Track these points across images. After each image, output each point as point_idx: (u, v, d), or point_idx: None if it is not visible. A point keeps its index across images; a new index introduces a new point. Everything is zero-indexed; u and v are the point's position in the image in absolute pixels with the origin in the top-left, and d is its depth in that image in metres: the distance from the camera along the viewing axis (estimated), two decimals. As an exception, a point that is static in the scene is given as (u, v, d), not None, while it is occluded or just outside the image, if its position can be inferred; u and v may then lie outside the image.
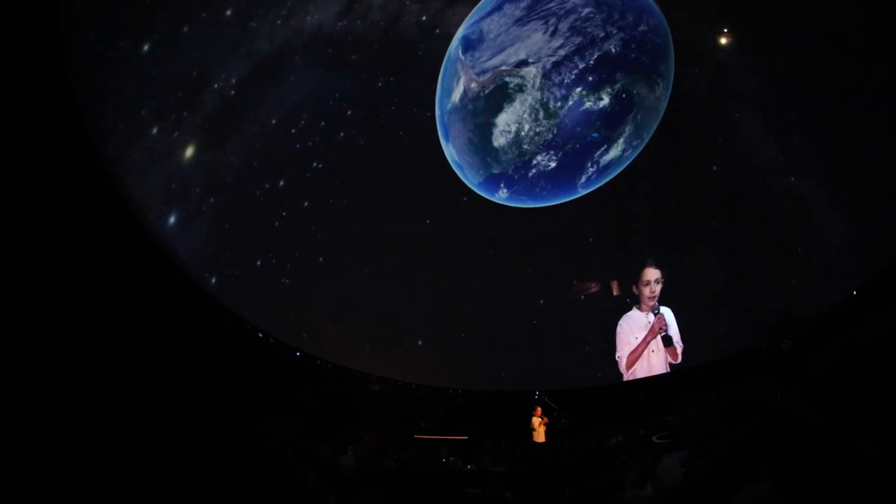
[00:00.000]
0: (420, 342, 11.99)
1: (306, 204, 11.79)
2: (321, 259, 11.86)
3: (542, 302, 11.81)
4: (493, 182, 11.84)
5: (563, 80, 11.01)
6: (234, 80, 10.62)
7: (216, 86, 10.46)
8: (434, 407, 11.55)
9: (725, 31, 10.22)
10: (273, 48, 10.93)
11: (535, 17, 11.06)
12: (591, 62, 10.84)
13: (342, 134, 11.93)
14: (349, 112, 11.89)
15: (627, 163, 11.16)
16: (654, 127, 10.85)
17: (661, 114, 10.74)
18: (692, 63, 10.53)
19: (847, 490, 1.86)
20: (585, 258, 11.66)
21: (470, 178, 11.96)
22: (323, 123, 11.75)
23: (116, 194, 8.86)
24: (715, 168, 10.64)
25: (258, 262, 11.42)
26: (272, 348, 10.91)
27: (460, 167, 11.99)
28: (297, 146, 11.61)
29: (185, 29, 9.76)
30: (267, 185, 11.42)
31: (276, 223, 11.54)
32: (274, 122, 11.29)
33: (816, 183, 9.71)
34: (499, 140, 11.59)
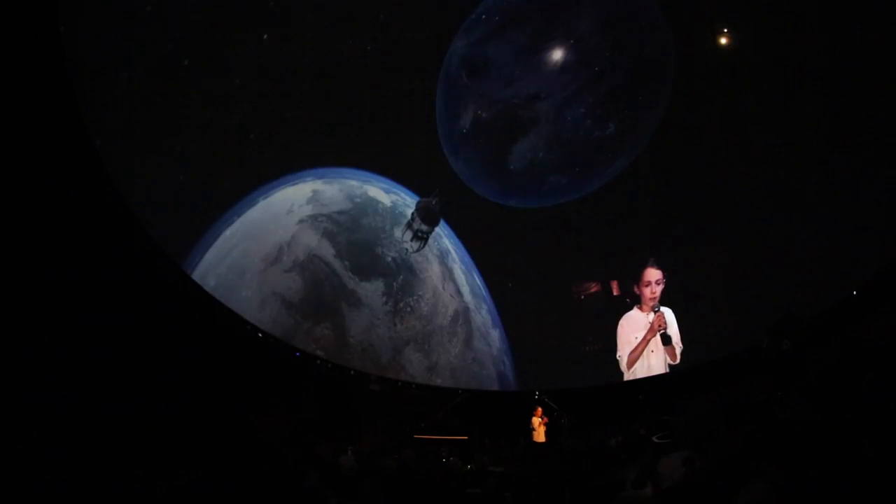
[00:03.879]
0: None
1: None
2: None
3: (542, 302, 11.82)
4: (506, 194, 11.95)
5: (574, 114, 11.21)
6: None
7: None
8: (434, 407, 11.54)
9: (726, 30, 10.26)
10: None
11: (542, 47, 11.11)
12: (601, 95, 11.07)
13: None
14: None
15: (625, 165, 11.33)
16: (651, 132, 11.01)
17: (658, 122, 10.92)
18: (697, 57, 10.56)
19: (846, 490, 1.86)
20: (585, 258, 11.67)
21: (483, 191, 12.01)
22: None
23: (115, 193, 8.77)
24: (715, 168, 10.65)
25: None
26: (272, 348, 10.89)
27: (473, 181, 12.02)
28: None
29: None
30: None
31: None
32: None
33: (817, 183, 9.72)
34: (514, 164, 11.70)
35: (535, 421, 10.16)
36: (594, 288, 11.66)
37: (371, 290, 12.02)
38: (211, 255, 10.89)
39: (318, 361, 11.35)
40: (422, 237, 11.62)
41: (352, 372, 11.48)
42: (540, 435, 10.09)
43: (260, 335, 10.74)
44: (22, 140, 6.78)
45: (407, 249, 11.77)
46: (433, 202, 11.61)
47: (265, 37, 10.76)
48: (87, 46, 8.42)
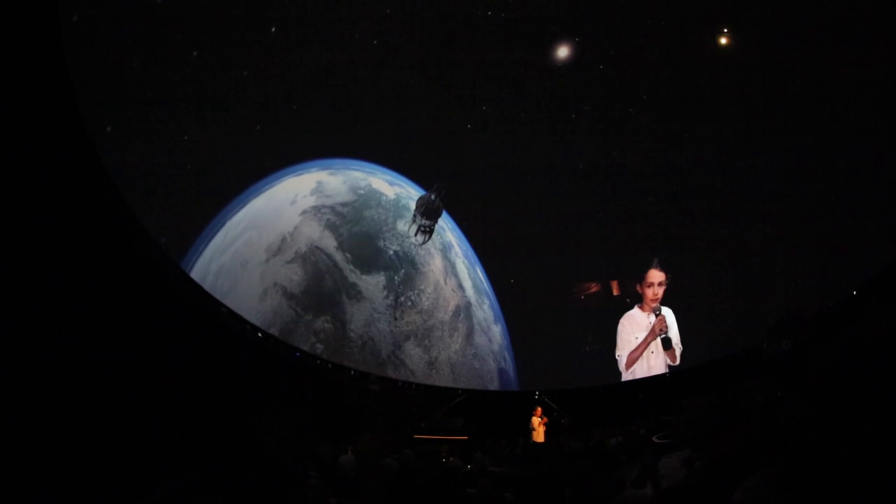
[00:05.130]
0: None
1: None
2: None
3: (542, 302, 11.82)
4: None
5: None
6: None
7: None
8: (434, 407, 11.54)
9: (726, 30, 10.26)
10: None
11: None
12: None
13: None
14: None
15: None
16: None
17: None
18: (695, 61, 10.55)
19: (846, 490, 1.85)
20: (585, 258, 11.67)
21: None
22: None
23: (115, 191, 8.75)
24: (713, 167, 10.65)
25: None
26: (272, 348, 10.88)
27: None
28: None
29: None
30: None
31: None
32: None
33: (817, 184, 9.72)
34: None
35: (535, 421, 10.16)
36: (594, 288, 11.66)
37: (372, 284, 12.03)
38: (215, 244, 10.91)
39: (318, 361, 11.35)
40: (426, 231, 11.69)
41: (352, 372, 11.47)
42: (540, 435, 10.08)
43: (259, 335, 10.74)
44: (25, 132, 6.76)
45: (413, 243, 11.86)
46: (432, 197, 11.65)
47: (273, 29, 10.84)
48: (97, 36, 8.44)
